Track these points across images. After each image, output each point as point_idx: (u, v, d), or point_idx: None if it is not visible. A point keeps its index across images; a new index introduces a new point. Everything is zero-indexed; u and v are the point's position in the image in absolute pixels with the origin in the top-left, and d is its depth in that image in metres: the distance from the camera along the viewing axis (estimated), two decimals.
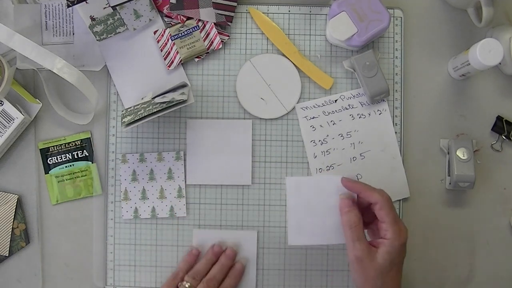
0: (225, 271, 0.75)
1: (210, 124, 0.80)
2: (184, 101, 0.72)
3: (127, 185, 0.79)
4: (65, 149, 0.80)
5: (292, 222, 0.71)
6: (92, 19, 0.77)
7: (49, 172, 0.80)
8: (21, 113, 0.76)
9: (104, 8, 0.76)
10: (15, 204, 0.79)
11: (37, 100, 0.80)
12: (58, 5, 0.79)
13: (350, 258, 0.65)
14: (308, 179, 0.72)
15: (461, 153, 0.77)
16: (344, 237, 0.67)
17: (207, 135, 0.79)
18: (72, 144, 0.80)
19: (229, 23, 0.79)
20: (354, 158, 0.80)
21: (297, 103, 0.80)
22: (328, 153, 0.80)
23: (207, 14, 0.78)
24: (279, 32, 0.80)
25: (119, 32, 0.79)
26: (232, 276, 0.75)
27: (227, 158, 0.79)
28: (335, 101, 0.80)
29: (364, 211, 0.68)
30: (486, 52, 0.71)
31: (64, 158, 0.80)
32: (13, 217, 0.79)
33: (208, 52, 0.80)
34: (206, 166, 0.79)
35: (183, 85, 0.77)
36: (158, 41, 0.80)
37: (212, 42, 0.79)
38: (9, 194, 0.79)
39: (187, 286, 0.72)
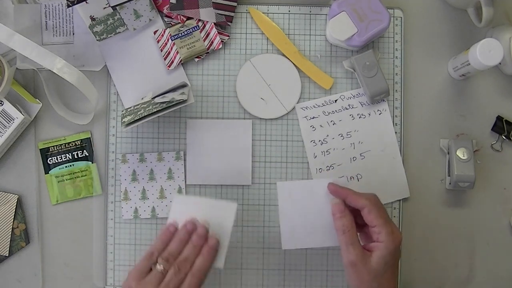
0: (198, 250, 0.70)
1: (210, 124, 0.80)
2: (184, 101, 0.72)
3: (127, 185, 0.79)
4: (65, 149, 0.80)
5: (284, 227, 0.70)
6: (92, 19, 0.77)
7: (49, 172, 0.80)
8: (21, 113, 0.76)
9: (104, 8, 0.76)
10: (15, 204, 0.79)
11: (37, 100, 0.80)
12: (58, 5, 0.79)
13: (344, 262, 0.65)
14: (299, 183, 0.71)
15: (461, 153, 0.77)
16: (337, 240, 0.67)
17: (207, 135, 0.79)
18: (72, 144, 0.80)
19: (229, 23, 0.79)
20: (354, 158, 0.80)
21: (297, 103, 0.80)
22: (328, 153, 0.80)
23: (207, 14, 0.78)
24: (279, 32, 0.80)
25: (119, 32, 0.79)
26: (205, 254, 0.69)
27: (227, 158, 0.79)
28: (335, 101, 0.80)
29: (356, 214, 0.68)
30: (486, 52, 0.71)
31: (64, 158, 0.80)
32: (13, 217, 0.79)
33: (208, 52, 0.80)
34: (206, 166, 0.79)
35: (183, 85, 0.77)
36: (158, 41, 0.80)
37: (212, 42, 0.79)
38: (9, 194, 0.79)
39: (160, 270, 0.67)
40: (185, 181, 0.79)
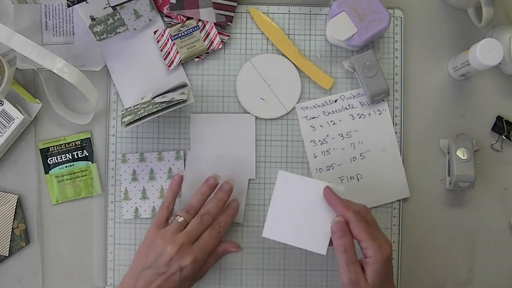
0: (221, 206, 0.73)
1: (213, 118, 0.79)
2: (184, 101, 0.72)
3: (127, 185, 0.79)
4: (65, 149, 0.80)
5: (272, 215, 0.70)
6: (92, 19, 0.77)
7: (49, 172, 0.80)
8: (21, 113, 0.76)
9: (104, 8, 0.76)
10: (15, 204, 0.79)
11: (37, 100, 0.80)
12: (58, 5, 0.79)
13: (344, 281, 0.64)
14: (299, 178, 0.70)
15: (461, 153, 0.77)
16: (317, 246, 0.68)
17: (210, 129, 0.79)
18: (72, 144, 0.80)
19: (229, 23, 0.79)
20: (354, 158, 0.80)
21: (297, 103, 0.80)
22: (328, 153, 0.80)
23: (207, 14, 0.78)
24: (279, 32, 0.80)
25: (119, 32, 0.79)
26: (227, 213, 0.73)
27: (230, 151, 0.79)
28: (335, 101, 0.80)
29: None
30: (486, 52, 0.71)
31: (64, 158, 0.80)
32: (13, 217, 0.79)
33: (208, 52, 0.80)
34: (209, 160, 0.79)
35: (183, 85, 0.77)
36: (158, 41, 0.80)
37: (212, 42, 0.79)
38: (9, 194, 0.79)
39: (180, 220, 0.70)
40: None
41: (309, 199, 0.69)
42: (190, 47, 0.79)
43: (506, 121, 0.80)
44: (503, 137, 0.80)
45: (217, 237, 0.71)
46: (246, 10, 0.81)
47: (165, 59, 0.80)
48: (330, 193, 0.68)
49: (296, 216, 0.69)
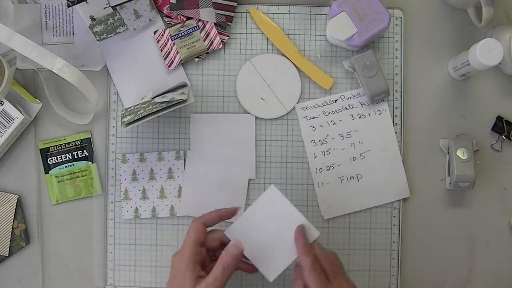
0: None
1: (213, 118, 0.80)
2: (184, 101, 0.72)
3: (127, 185, 0.79)
4: (65, 149, 0.80)
5: (243, 219, 0.68)
6: (92, 19, 0.77)
7: (49, 172, 0.80)
8: (21, 113, 0.76)
9: (104, 8, 0.76)
10: (15, 204, 0.79)
11: (37, 100, 0.80)
12: (58, 5, 0.79)
13: None
14: (286, 203, 0.68)
15: (461, 153, 0.77)
16: (264, 269, 0.67)
17: (210, 130, 0.79)
18: (72, 144, 0.80)
19: (229, 23, 0.79)
20: (354, 158, 0.80)
21: (297, 103, 0.80)
22: (328, 153, 0.80)
23: (207, 14, 0.78)
24: (279, 32, 0.80)
25: (119, 32, 0.79)
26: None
27: (231, 152, 0.79)
28: (335, 101, 0.80)
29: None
30: (486, 52, 0.71)
31: (64, 158, 0.80)
32: (13, 217, 0.79)
33: (208, 52, 0.80)
34: (210, 161, 0.79)
35: (183, 85, 0.77)
36: (158, 41, 0.80)
37: (212, 42, 0.79)
38: (9, 194, 0.79)
39: None
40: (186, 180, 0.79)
41: (283, 226, 0.68)
42: (190, 47, 0.79)
43: (506, 121, 0.80)
44: (503, 137, 0.80)
45: (192, 227, 0.66)
46: (246, 10, 0.81)
47: (165, 59, 0.80)
48: (300, 234, 0.66)
49: (263, 234, 0.68)
